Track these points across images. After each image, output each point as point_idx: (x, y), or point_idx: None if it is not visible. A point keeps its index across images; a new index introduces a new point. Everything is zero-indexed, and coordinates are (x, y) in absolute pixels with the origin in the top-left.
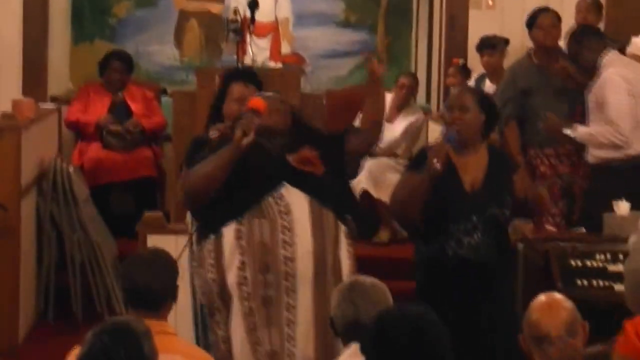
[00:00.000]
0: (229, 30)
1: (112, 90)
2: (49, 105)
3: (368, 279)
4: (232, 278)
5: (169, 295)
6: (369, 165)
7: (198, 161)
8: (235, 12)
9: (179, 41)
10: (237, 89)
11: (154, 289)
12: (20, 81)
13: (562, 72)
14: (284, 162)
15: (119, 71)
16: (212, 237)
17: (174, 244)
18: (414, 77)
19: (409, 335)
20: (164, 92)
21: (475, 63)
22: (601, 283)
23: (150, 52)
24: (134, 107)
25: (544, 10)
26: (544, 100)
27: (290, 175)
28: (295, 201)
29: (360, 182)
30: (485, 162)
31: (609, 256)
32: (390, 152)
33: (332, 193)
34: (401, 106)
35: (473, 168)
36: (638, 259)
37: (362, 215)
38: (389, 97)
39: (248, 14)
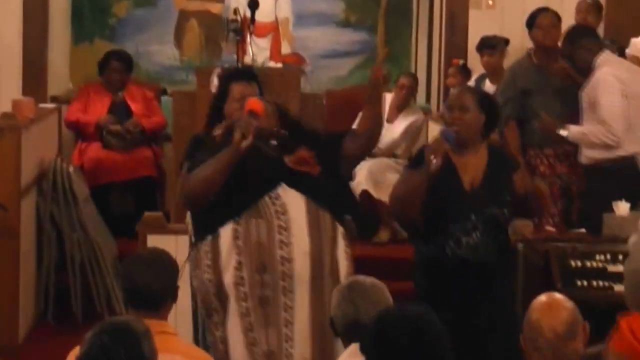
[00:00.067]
0: (229, 30)
1: (112, 90)
2: (49, 105)
3: (368, 279)
4: (229, 278)
5: (169, 295)
6: (369, 165)
7: (198, 160)
8: (235, 12)
9: (179, 41)
10: (237, 88)
11: (154, 289)
12: (20, 81)
13: (562, 72)
14: (281, 163)
15: (118, 71)
16: (209, 238)
17: (174, 244)
18: (414, 77)
19: (409, 335)
20: (164, 92)
21: (475, 63)
22: (601, 283)
23: (150, 52)
24: (134, 107)
25: (543, 10)
26: (544, 100)
27: (287, 176)
28: (292, 201)
29: (360, 183)
30: (485, 162)
31: (608, 256)
32: (390, 153)
33: (328, 193)
34: (401, 106)
35: (473, 168)
36: (638, 259)
37: (361, 215)
38: (389, 97)
39: (248, 13)
